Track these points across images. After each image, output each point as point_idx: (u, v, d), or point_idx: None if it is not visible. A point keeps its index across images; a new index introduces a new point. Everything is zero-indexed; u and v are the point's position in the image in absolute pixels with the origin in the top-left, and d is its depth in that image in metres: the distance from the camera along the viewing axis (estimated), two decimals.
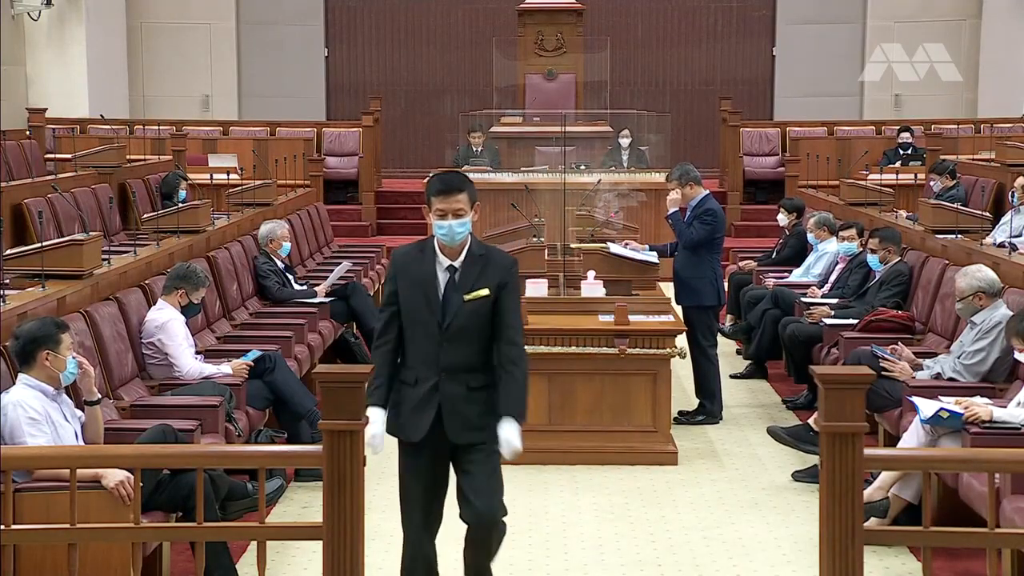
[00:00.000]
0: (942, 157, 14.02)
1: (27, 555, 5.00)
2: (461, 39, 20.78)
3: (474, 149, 15.92)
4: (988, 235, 9.35)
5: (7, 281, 6.84)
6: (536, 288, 8.05)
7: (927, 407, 6.11)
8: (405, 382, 4.81)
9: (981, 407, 6.00)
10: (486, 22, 20.42)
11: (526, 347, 4.90)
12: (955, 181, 12.05)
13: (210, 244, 9.29)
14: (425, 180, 4.95)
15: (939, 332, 7.98)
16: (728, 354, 10.13)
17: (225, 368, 7.10)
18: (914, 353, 7.33)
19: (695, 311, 8.40)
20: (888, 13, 19.94)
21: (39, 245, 7.03)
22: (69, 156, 13.51)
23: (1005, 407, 6.04)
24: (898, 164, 15.15)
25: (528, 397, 4.85)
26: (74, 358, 5.41)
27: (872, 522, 5.96)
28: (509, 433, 4.72)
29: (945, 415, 6.02)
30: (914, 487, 6.08)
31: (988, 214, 10.19)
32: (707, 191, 8.58)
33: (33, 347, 5.31)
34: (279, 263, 9.59)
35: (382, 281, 12.35)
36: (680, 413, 8.32)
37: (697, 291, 8.42)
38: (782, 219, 11.31)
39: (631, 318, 7.51)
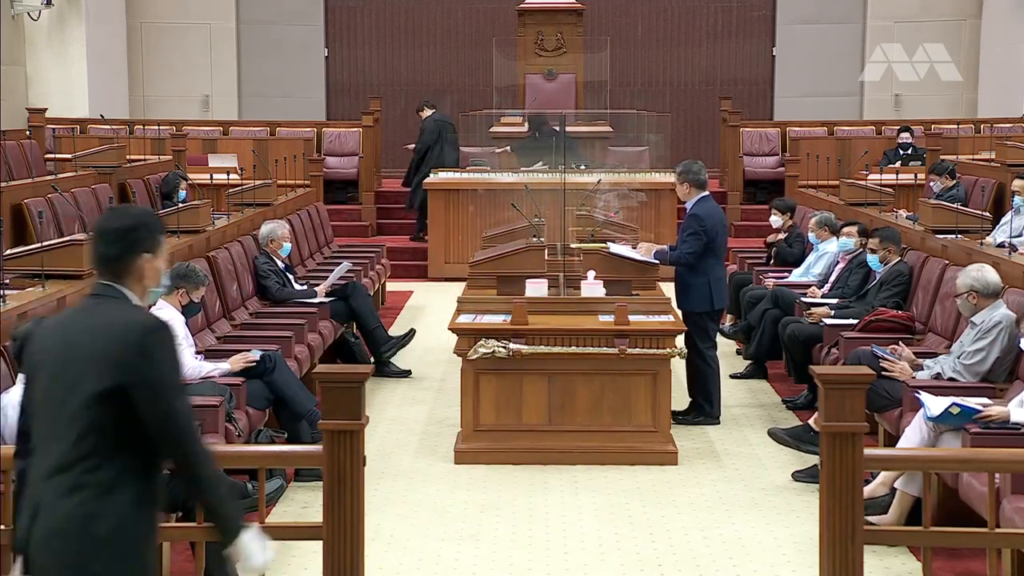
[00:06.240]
0: (942, 157, 14.03)
1: None
2: (461, 39, 20.78)
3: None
4: (988, 235, 9.35)
5: (7, 281, 6.84)
6: (536, 288, 8.05)
7: (935, 404, 6.08)
8: None
9: (998, 408, 5.98)
10: (486, 22, 20.42)
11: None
12: (955, 181, 12.05)
13: (210, 244, 9.29)
14: None
15: (939, 332, 7.98)
16: (728, 354, 10.13)
17: (224, 366, 7.09)
18: (914, 353, 7.33)
19: (689, 314, 8.36)
20: (888, 13, 19.94)
21: (39, 245, 7.03)
22: (69, 156, 13.50)
23: (1006, 407, 6.04)
24: (898, 164, 15.15)
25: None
26: None
27: (873, 518, 5.95)
28: None
29: (956, 411, 5.99)
30: (919, 480, 6.05)
31: (988, 214, 10.19)
32: (702, 193, 8.49)
33: None
34: (279, 263, 9.60)
35: (382, 281, 12.38)
36: (672, 413, 8.27)
37: (689, 296, 8.37)
38: (776, 221, 11.23)
39: (631, 318, 7.50)
